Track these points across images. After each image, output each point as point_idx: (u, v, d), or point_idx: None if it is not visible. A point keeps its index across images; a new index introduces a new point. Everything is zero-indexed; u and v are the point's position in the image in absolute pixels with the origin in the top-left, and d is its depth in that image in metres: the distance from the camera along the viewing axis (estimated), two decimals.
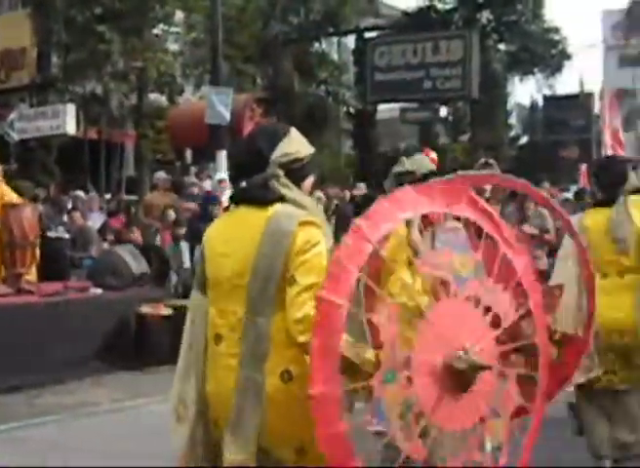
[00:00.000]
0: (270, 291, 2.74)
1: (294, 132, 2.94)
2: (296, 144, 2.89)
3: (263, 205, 2.82)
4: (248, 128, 17.10)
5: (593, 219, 4.71)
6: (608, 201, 4.72)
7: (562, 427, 5.11)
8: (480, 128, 22.52)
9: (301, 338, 2.65)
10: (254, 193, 2.84)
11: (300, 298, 2.68)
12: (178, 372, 2.99)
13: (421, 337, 2.61)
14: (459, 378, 2.65)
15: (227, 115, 12.68)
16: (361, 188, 11.93)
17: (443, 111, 24.38)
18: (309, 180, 2.98)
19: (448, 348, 2.64)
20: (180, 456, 2.93)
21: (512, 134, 26.64)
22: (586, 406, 4.88)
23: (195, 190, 11.45)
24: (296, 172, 2.88)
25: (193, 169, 14.01)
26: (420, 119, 20.39)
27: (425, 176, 4.15)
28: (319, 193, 11.48)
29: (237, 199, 2.92)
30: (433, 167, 4.32)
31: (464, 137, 24.31)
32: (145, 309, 8.11)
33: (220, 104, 12.66)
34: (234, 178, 3.06)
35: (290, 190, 2.84)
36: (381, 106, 22.01)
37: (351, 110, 22.26)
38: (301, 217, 2.77)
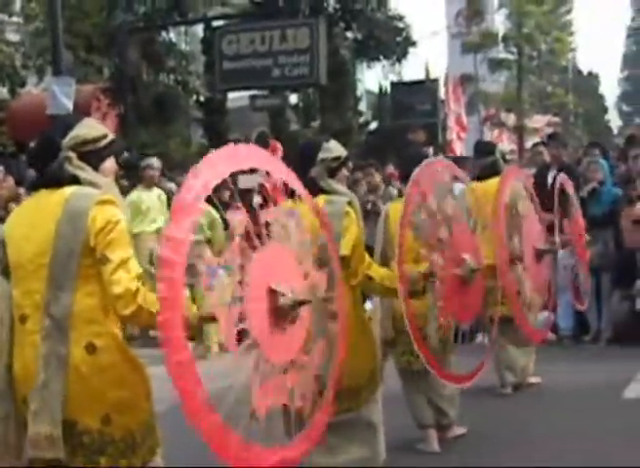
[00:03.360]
0: (72, 267, 2.85)
1: (87, 119, 3.15)
2: (86, 128, 3.05)
3: (59, 187, 2.96)
4: (95, 118, 16.81)
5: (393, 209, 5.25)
6: None
7: None
8: (330, 114, 22.82)
9: (126, 311, 2.86)
10: (49, 176, 2.99)
11: (116, 275, 2.84)
12: None
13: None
14: (282, 312, 2.93)
15: (70, 105, 12.42)
16: None
17: (293, 98, 24.60)
18: (109, 162, 3.13)
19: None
20: None
21: (362, 119, 27.08)
22: (405, 382, 5.33)
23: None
24: (91, 154, 3.06)
25: None
26: (270, 106, 20.44)
27: (347, 159, 4.39)
28: (170, 184, 11.44)
29: (36, 185, 3.03)
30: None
31: (315, 124, 24.57)
32: None
33: (61, 95, 12.39)
34: (35, 168, 3.14)
35: (83, 171, 3.02)
36: (231, 94, 21.98)
37: (201, 99, 22.18)
38: (97, 197, 2.92)
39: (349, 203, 4.13)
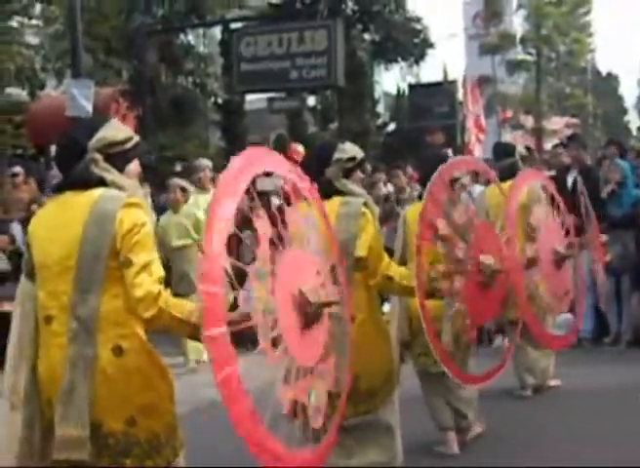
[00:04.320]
0: (99, 270, 2.86)
1: (113, 121, 3.15)
2: (112, 130, 3.05)
3: (85, 189, 2.96)
4: None
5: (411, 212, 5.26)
6: None
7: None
8: (348, 116, 22.80)
9: (147, 314, 2.88)
10: (75, 178, 2.98)
11: (139, 278, 2.86)
12: (8, 363, 3.02)
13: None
14: (307, 314, 2.96)
15: (89, 107, 12.44)
16: None
17: (311, 100, 24.62)
18: (134, 164, 3.13)
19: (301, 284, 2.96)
20: (19, 440, 2.94)
21: (380, 121, 27.06)
22: (423, 384, 5.32)
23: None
24: (116, 156, 3.07)
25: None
26: (287, 109, 20.49)
27: (362, 161, 4.39)
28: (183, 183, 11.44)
29: (61, 187, 3.04)
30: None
31: (333, 126, 24.57)
32: (7, 307, 7.97)
33: (81, 97, 12.41)
34: (60, 170, 3.13)
35: (109, 173, 3.01)
36: (249, 97, 22.06)
37: (219, 101, 22.24)
38: (125, 199, 2.93)
39: (365, 204, 4.13)
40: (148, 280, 2.86)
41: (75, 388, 2.79)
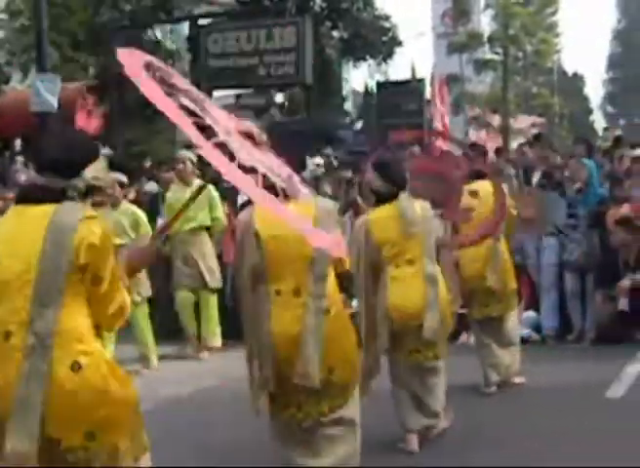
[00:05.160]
0: (58, 284, 2.82)
1: (102, 157, 3.12)
2: (103, 171, 3.03)
3: (43, 203, 2.92)
4: (80, 116, 16.75)
5: (376, 218, 5.41)
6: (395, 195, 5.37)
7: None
8: (316, 113, 22.78)
9: (117, 326, 3.02)
10: (38, 194, 2.94)
11: (111, 294, 2.92)
12: None
13: None
14: None
15: (54, 103, 12.32)
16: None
17: (279, 97, 24.57)
18: None
19: None
20: None
21: (347, 119, 27.08)
22: (394, 384, 5.36)
23: (22, 177, 11.11)
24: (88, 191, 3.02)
25: (20, 158, 13.54)
26: (255, 105, 20.44)
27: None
28: (151, 184, 11.43)
29: (23, 196, 2.99)
30: None
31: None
32: None
33: (46, 92, 12.28)
34: (41, 169, 3.03)
35: None
36: (217, 93, 21.93)
37: None
38: (83, 213, 2.90)
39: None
40: (119, 295, 2.92)
41: (27, 402, 2.74)
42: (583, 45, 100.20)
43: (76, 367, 2.80)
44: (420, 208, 5.37)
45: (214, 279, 8.79)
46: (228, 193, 9.52)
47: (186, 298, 8.77)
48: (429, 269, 5.30)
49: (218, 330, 8.81)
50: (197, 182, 8.75)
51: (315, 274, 4.11)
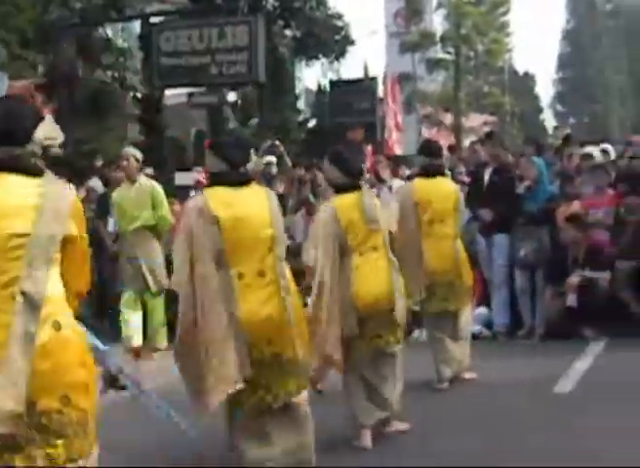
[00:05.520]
0: (52, 250, 2.93)
1: (49, 117, 3.14)
2: (56, 131, 3.06)
3: (32, 175, 2.99)
4: None
5: (342, 205, 5.36)
6: (354, 187, 5.38)
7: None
8: (269, 112, 22.80)
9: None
10: (26, 163, 3.00)
11: (86, 255, 3.15)
12: None
13: None
14: None
15: None
16: (146, 173, 11.77)
17: (232, 96, 24.47)
18: None
19: None
20: None
21: (301, 117, 27.09)
22: (348, 374, 5.37)
23: None
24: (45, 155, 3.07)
25: None
26: (208, 104, 20.33)
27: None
28: (95, 181, 11.33)
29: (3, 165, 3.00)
30: None
31: (254, 122, 24.52)
32: None
33: None
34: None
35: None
36: (169, 91, 21.80)
37: (138, 95, 21.95)
38: (64, 183, 3.08)
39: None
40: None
41: (14, 364, 2.77)
42: (534, 45, 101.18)
43: (57, 325, 2.87)
44: (378, 203, 5.46)
45: (156, 281, 8.58)
46: (180, 192, 9.50)
47: (128, 300, 8.58)
48: (391, 256, 5.39)
49: (163, 330, 8.68)
50: (142, 180, 8.76)
51: (277, 255, 4.21)
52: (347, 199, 5.35)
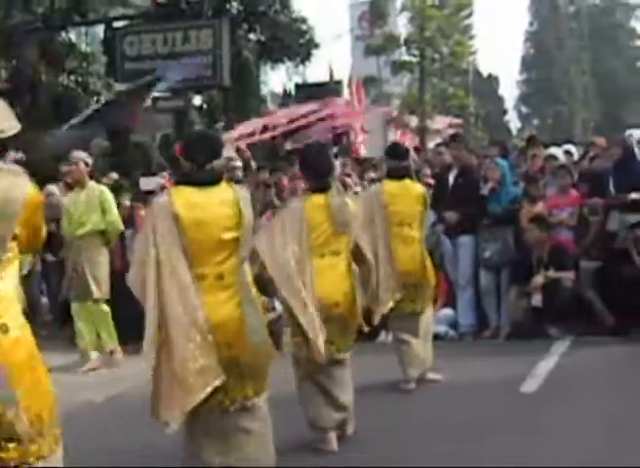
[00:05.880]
0: (2, 250, 2.89)
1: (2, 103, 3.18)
2: (8, 119, 3.04)
3: None
4: None
5: (310, 206, 5.24)
6: (322, 188, 5.35)
7: None
8: (234, 115, 22.74)
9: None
10: None
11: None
12: None
13: None
14: None
15: None
16: (111, 177, 11.73)
17: (197, 99, 24.44)
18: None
19: None
20: None
21: None
22: (303, 380, 5.35)
23: None
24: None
25: None
26: (173, 108, 20.28)
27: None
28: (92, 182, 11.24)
29: None
30: None
31: (219, 125, 24.46)
32: None
33: None
34: None
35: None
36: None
37: (102, 100, 21.84)
38: (28, 180, 3.03)
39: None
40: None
41: None
42: (497, 47, 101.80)
43: (4, 328, 2.82)
44: (351, 203, 5.43)
45: (100, 290, 8.39)
46: (144, 197, 9.44)
47: (76, 309, 8.43)
48: (352, 262, 5.40)
49: (112, 337, 8.44)
50: (91, 185, 8.63)
51: (239, 258, 4.14)
52: (316, 199, 5.34)
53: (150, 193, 10.04)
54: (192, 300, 4.00)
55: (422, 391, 6.77)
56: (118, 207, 9.05)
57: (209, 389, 3.97)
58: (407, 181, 6.93)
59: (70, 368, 8.23)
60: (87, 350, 8.44)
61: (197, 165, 4.13)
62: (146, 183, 9.63)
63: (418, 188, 7.01)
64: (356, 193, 9.78)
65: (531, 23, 61.88)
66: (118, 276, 8.81)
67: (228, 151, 10.95)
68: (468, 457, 5.08)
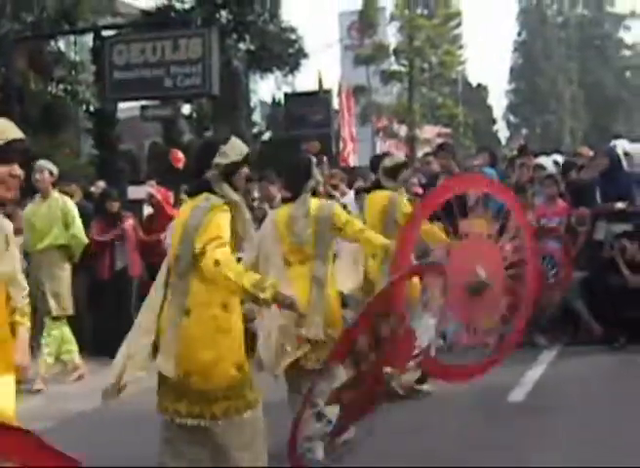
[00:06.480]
0: None
1: None
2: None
3: None
4: None
5: (279, 214, 5.47)
6: (293, 197, 5.43)
7: None
8: (223, 124, 22.74)
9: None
10: None
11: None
12: None
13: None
14: None
15: None
16: (99, 186, 11.72)
17: (186, 108, 24.44)
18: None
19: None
20: None
21: (255, 130, 27.11)
22: (290, 389, 5.42)
23: None
24: None
25: None
26: (162, 117, 20.29)
27: (248, 156, 4.24)
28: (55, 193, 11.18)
29: None
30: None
31: (208, 134, 24.49)
32: None
33: None
34: None
35: None
36: (123, 105, 21.70)
37: (91, 109, 21.81)
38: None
39: (227, 203, 4.07)
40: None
41: None
42: (486, 57, 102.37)
43: None
44: (316, 208, 5.39)
45: (59, 306, 8.09)
46: (132, 206, 9.43)
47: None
48: (319, 271, 5.32)
49: (73, 353, 8.21)
50: (55, 195, 8.38)
51: (177, 271, 4.00)
52: (283, 210, 5.47)
53: (138, 202, 10.03)
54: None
55: (410, 400, 6.78)
56: (107, 215, 8.99)
57: None
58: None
59: (58, 377, 8.20)
60: (72, 358, 8.28)
61: (193, 176, 4.24)
62: (134, 192, 9.59)
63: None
64: (345, 206, 9.79)
65: (519, 33, 62.17)
66: (105, 286, 8.82)
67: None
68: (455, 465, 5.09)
